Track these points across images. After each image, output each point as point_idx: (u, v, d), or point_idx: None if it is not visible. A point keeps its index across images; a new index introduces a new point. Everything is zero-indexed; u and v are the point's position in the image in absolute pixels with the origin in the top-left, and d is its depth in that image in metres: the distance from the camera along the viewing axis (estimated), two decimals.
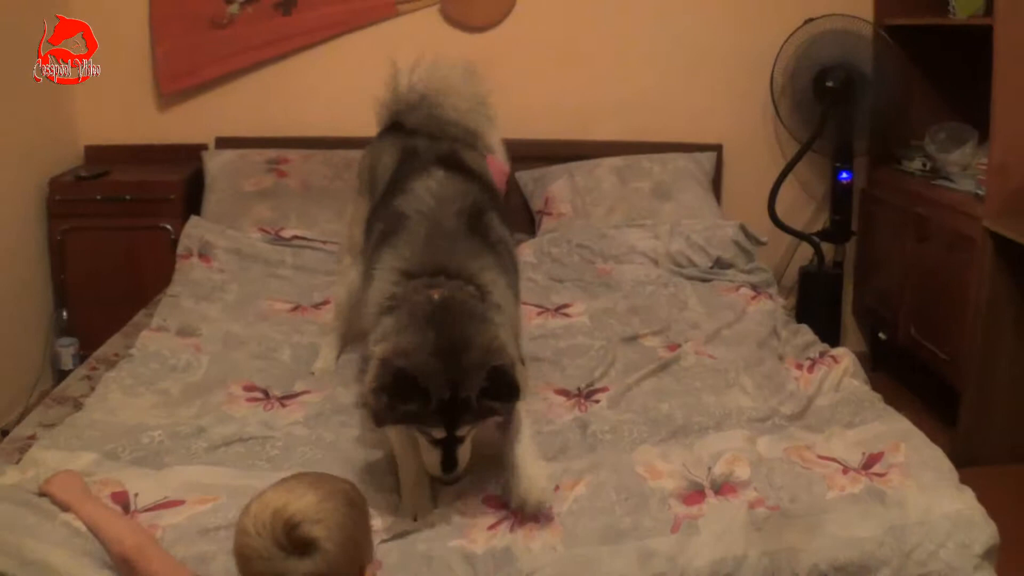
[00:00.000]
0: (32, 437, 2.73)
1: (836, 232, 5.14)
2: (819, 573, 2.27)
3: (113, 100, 4.97)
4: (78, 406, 2.92)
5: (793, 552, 2.27)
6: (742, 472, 2.52)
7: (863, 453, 2.64)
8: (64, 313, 4.68)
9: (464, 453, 2.40)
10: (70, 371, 4.40)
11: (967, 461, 2.86)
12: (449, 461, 2.38)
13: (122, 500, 2.40)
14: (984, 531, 2.38)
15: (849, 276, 5.31)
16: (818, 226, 5.23)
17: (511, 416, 2.49)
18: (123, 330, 3.71)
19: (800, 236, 5.15)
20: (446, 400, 2.31)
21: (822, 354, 3.37)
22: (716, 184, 5.10)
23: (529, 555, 2.26)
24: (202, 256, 4.27)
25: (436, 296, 2.50)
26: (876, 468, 2.57)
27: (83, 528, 2.20)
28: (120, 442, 2.66)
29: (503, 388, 2.38)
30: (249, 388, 3.12)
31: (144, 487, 2.45)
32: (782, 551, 2.27)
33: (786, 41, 4.91)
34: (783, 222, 5.03)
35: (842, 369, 3.20)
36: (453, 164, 3.00)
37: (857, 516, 2.38)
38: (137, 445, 2.66)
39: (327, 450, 2.72)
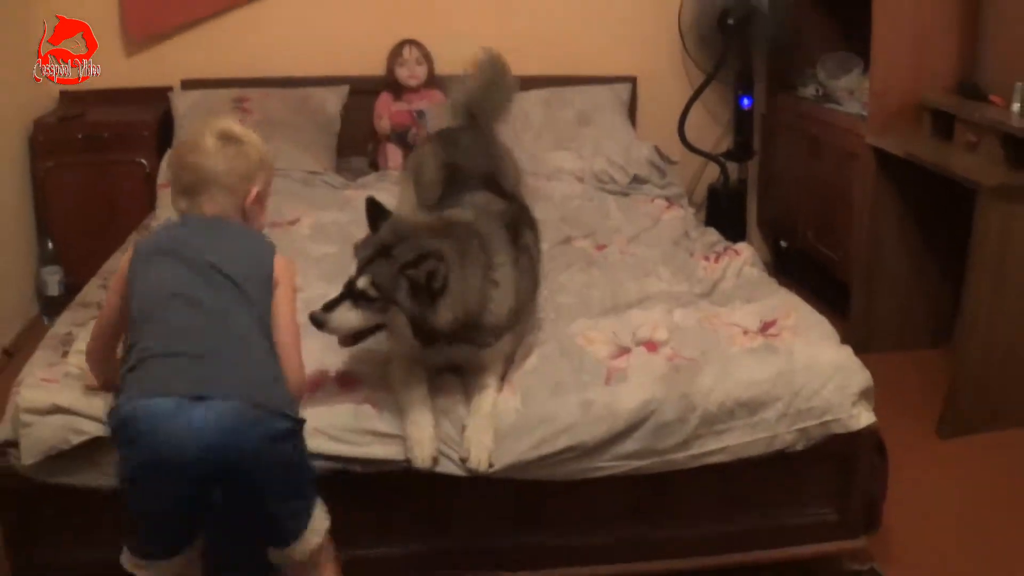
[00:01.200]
0: (69, 334, 3.07)
1: (739, 152, 5.57)
2: (726, 409, 2.72)
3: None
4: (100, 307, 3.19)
5: (705, 392, 2.73)
6: (661, 335, 2.99)
7: (760, 320, 3.10)
8: (49, 244, 4.94)
9: (346, 316, 2.57)
10: (55, 296, 4.79)
11: (859, 348, 3.11)
12: (331, 303, 2.56)
13: None
14: (859, 375, 2.83)
15: (752, 191, 5.73)
16: (724, 148, 5.65)
17: (479, 372, 2.79)
18: (122, 247, 3.98)
19: (707, 156, 5.58)
20: (372, 254, 2.59)
21: (726, 248, 3.83)
22: (632, 112, 5.47)
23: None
24: None
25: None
26: (771, 331, 3.03)
27: None
28: None
29: (418, 278, 2.55)
30: None
31: None
32: (696, 392, 2.73)
33: None
34: (692, 144, 5.45)
35: (742, 260, 3.66)
36: (493, 186, 3.36)
37: (755, 364, 2.83)
38: None
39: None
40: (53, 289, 4.94)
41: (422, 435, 2.61)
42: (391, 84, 5.23)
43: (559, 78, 5.42)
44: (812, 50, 5.25)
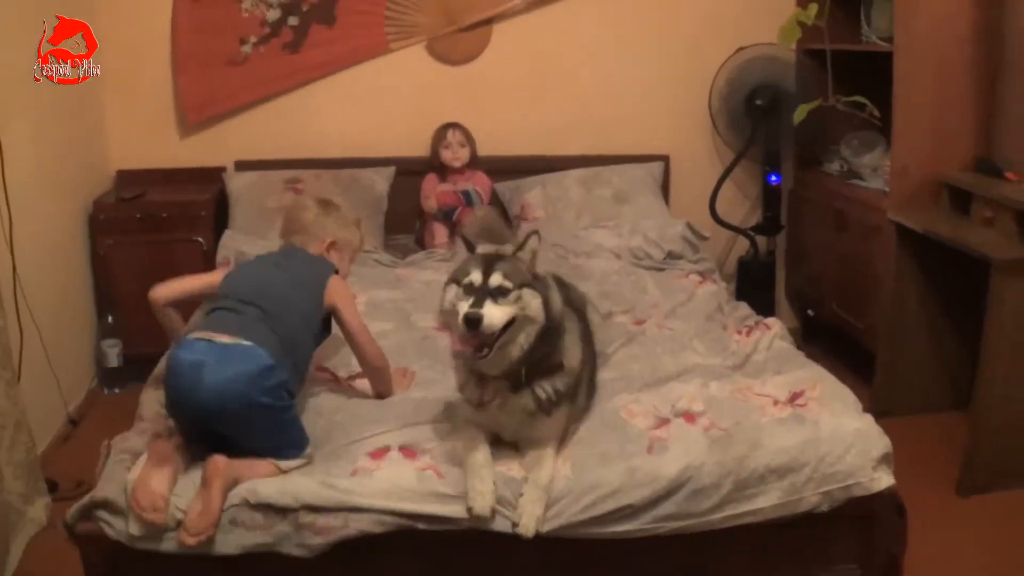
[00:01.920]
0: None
1: (768, 226, 5.73)
2: (757, 474, 2.91)
3: (141, 129, 5.45)
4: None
5: (739, 460, 2.93)
6: (698, 407, 3.19)
7: (789, 391, 3.29)
8: (110, 318, 5.10)
9: (494, 312, 2.80)
10: (114, 368, 5.01)
11: (882, 413, 3.37)
12: (475, 304, 2.80)
13: None
14: (879, 441, 3.02)
15: (780, 263, 5.87)
16: (753, 221, 5.81)
17: (541, 440, 2.99)
18: (188, 325, 4.14)
19: (737, 231, 5.75)
20: (487, 259, 2.88)
21: (757, 323, 4.04)
22: (665, 189, 5.66)
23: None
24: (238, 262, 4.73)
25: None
26: (798, 401, 3.22)
27: None
28: None
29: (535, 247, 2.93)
30: (320, 369, 3.63)
31: None
32: (730, 459, 2.93)
33: (721, 67, 5.49)
34: (723, 219, 5.62)
35: (773, 333, 3.86)
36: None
37: (784, 433, 3.02)
38: None
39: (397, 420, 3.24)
40: (112, 361, 5.12)
41: (484, 488, 2.81)
42: (435, 165, 5.45)
43: (596, 157, 5.63)
44: (838, 129, 5.37)
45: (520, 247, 2.94)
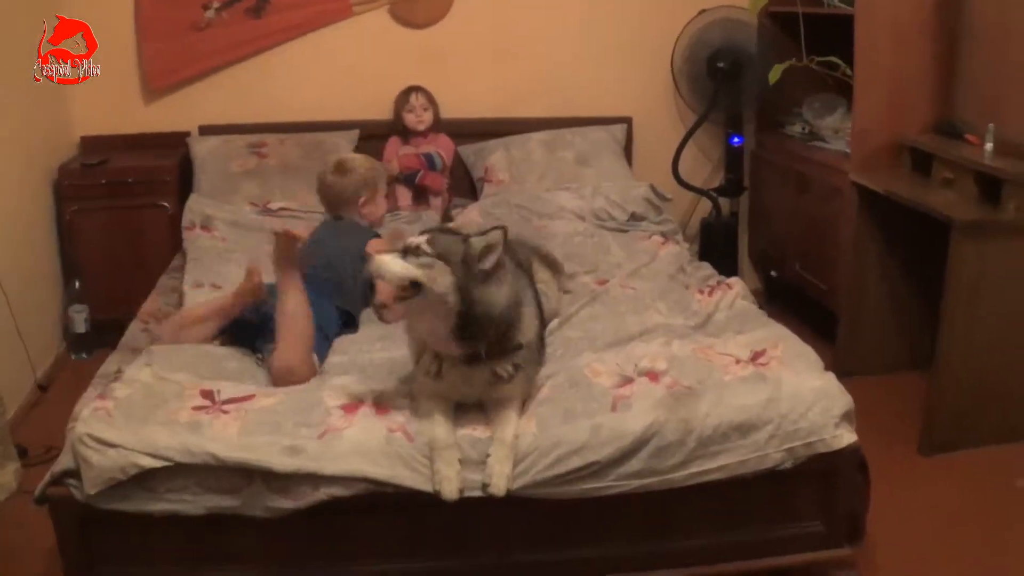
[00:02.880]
0: (119, 371, 3.29)
1: (731, 188, 5.77)
2: (720, 432, 2.92)
3: (104, 95, 5.34)
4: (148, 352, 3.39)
5: (701, 417, 2.94)
6: (660, 366, 3.18)
7: (751, 350, 3.28)
8: (77, 283, 5.07)
9: (391, 264, 2.78)
10: (82, 333, 4.99)
11: (845, 373, 3.34)
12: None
13: (208, 396, 2.99)
14: (841, 399, 3.02)
15: (743, 225, 5.91)
16: (715, 183, 5.83)
17: (501, 406, 2.99)
18: (156, 289, 4.28)
19: (700, 192, 5.77)
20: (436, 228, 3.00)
21: (719, 283, 4.07)
22: (628, 151, 5.68)
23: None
24: (204, 227, 4.81)
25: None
26: (760, 360, 3.22)
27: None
28: (203, 363, 3.29)
29: (476, 248, 2.82)
30: None
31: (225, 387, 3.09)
32: (694, 417, 2.94)
33: (684, 29, 5.49)
34: (686, 181, 5.64)
35: (734, 293, 3.90)
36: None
37: (746, 392, 3.01)
38: (218, 368, 3.30)
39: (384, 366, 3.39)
40: (80, 327, 5.10)
41: (449, 471, 2.81)
42: (399, 129, 5.45)
43: (559, 120, 5.63)
44: (799, 91, 5.42)
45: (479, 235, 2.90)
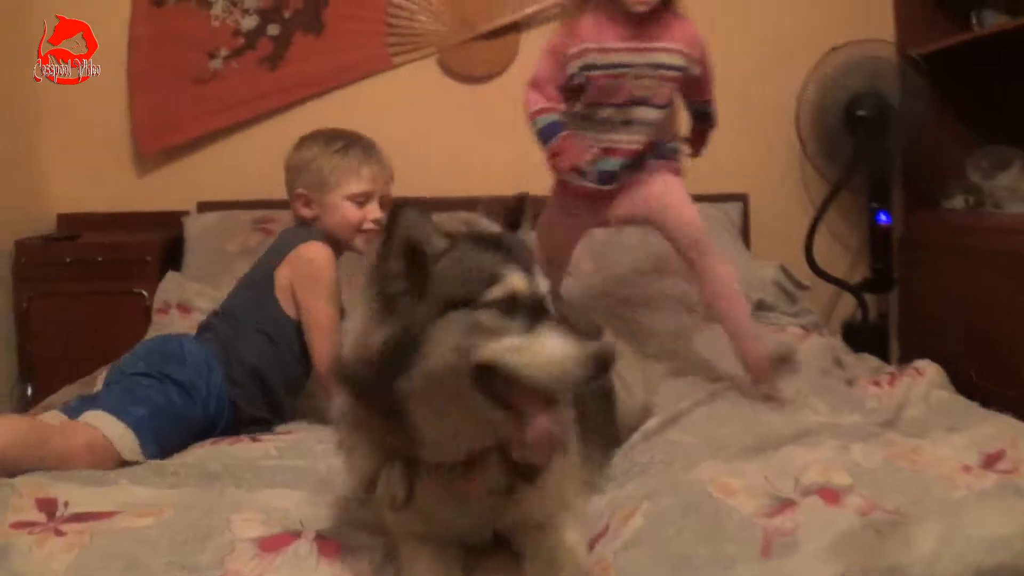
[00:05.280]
0: None
1: (878, 281, 4.77)
2: None
3: (88, 165, 4.78)
4: None
5: (926, 561, 1.79)
6: (840, 479, 2.07)
7: (980, 452, 2.24)
8: (29, 388, 4.36)
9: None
10: None
11: None
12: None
13: (46, 507, 2.08)
14: None
15: (893, 329, 4.93)
16: (856, 274, 4.87)
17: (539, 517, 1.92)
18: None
19: (842, 286, 4.77)
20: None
21: (902, 368, 3.01)
22: (744, 235, 4.77)
23: None
24: (181, 307, 3.95)
25: None
26: (1001, 466, 2.16)
27: None
28: None
29: None
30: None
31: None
32: (913, 562, 1.80)
33: (810, 73, 4.60)
34: (823, 270, 4.67)
35: (928, 381, 2.85)
36: None
37: (994, 513, 1.92)
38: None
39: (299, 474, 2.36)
40: None
41: None
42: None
43: None
44: (955, 154, 4.55)
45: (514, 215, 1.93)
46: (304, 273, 2.87)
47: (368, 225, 3.02)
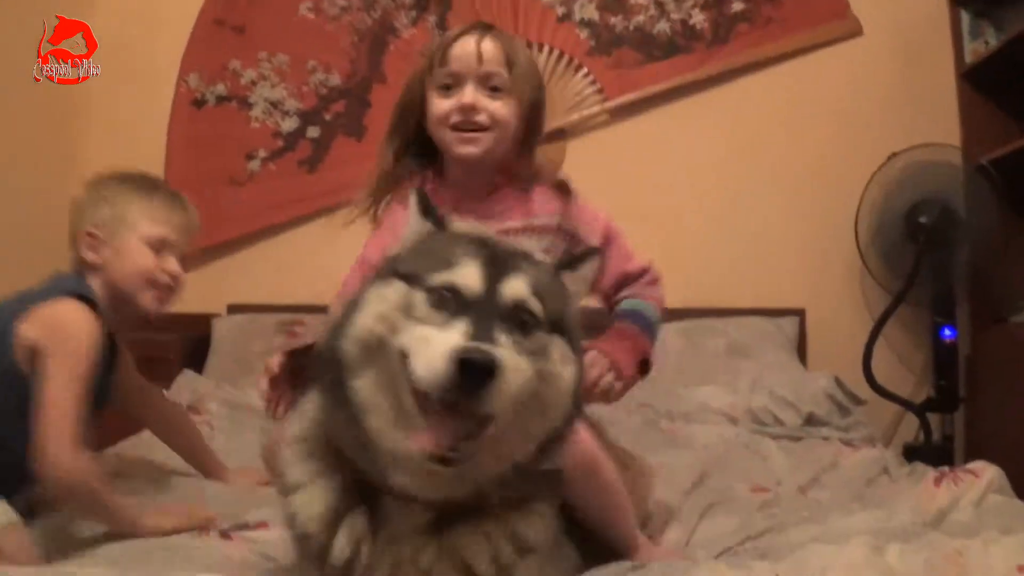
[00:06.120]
0: None
1: (943, 400, 4.47)
2: None
3: None
4: None
5: None
6: None
7: None
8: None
9: (512, 363, 1.53)
10: None
11: None
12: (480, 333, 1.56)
13: None
14: None
15: (959, 452, 4.60)
16: (920, 396, 4.57)
17: None
18: None
19: (903, 404, 4.50)
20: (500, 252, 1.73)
21: (953, 469, 2.65)
22: (801, 351, 4.54)
23: None
24: (192, 408, 3.73)
25: None
26: None
27: None
28: None
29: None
30: None
31: None
32: None
33: (870, 180, 4.41)
34: (883, 387, 4.41)
35: (984, 483, 2.51)
36: None
37: None
38: None
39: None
40: None
41: None
42: None
43: (702, 310, 4.54)
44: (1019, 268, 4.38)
45: (571, 262, 1.78)
46: (51, 337, 2.30)
47: (164, 279, 2.54)
